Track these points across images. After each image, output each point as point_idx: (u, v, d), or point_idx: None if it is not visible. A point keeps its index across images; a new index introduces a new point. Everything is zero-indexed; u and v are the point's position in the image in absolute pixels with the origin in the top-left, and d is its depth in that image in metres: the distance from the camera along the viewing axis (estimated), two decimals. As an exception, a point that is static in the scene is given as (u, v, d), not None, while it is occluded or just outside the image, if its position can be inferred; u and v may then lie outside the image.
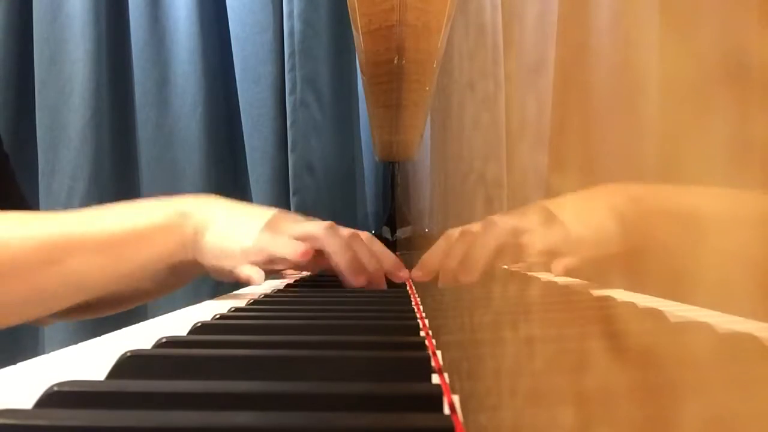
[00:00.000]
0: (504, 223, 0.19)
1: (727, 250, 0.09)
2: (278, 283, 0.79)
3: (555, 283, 0.18)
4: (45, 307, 0.61)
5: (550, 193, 0.18)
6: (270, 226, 0.67)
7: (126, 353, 0.31)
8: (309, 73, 1.54)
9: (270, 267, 0.67)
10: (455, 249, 0.28)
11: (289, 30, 1.54)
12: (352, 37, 0.77)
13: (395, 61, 0.79)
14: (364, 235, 0.72)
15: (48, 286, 0.57)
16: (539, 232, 0.18)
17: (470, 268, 0.22)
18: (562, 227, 0.16)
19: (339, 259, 0.66)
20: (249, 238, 0.64)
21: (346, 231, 0.69)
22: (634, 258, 0.13)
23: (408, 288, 0.70)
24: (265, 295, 0.62)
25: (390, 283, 0.73)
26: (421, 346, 0.35)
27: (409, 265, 0.70)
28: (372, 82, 0.89)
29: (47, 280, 0.57)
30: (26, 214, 0.62)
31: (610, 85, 0.14)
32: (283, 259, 0.65)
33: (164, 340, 0.36)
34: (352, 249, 0.67)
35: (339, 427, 0.23)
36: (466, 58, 0.36)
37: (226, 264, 0.64)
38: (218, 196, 0.72)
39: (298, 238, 0.66)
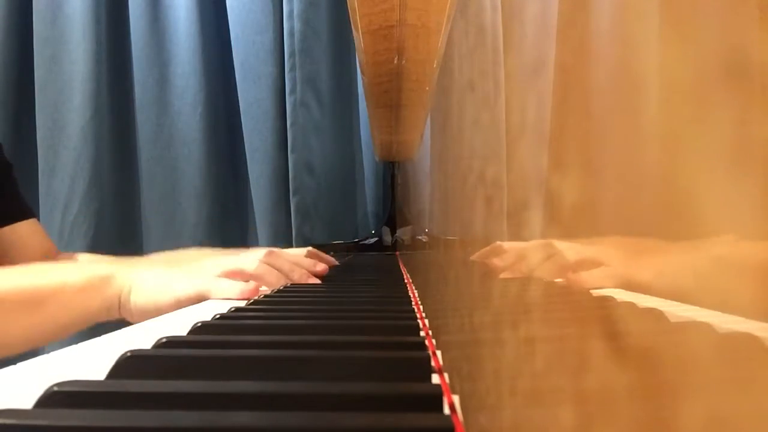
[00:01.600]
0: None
1: (727, 249, 0.09)
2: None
3: (555, 283, 0.18)
4: None
5: (550, 193, 0.18)
6: (195, 271, 0.70)
7: (126, 353, 0.31)
8: (309, 73, 1.55)
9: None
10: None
11: (289, 30, 1.54)
12: (352, 37, 0.77)
13: (395, 61, 0.79)
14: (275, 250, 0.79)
15: None
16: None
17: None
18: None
19: (269, 280, 0.73)
20: (182, 288, 0.66)
21: (261, 252, 0.77)
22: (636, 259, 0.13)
23: (408, 288, 0.70)
24: (265, 295, 0.62)
25: (390, 283, 0.74)
26: (421, 346, 0.35)
27: (410, 265, 0.70)
28: (372, 82, 0.89)
29: None
30: None
31: (610, 85, 0.14)
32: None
33: (164, 340, 0.36)
34: (275, 269, 0.75)
35: (339, 427, 0.23)
36: (466, 58, 0.36)
37: (159, 314, 0.66)
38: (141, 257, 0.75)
39: (224, 275, 0.70)
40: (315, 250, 0.91)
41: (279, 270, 0.76)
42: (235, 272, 0.71)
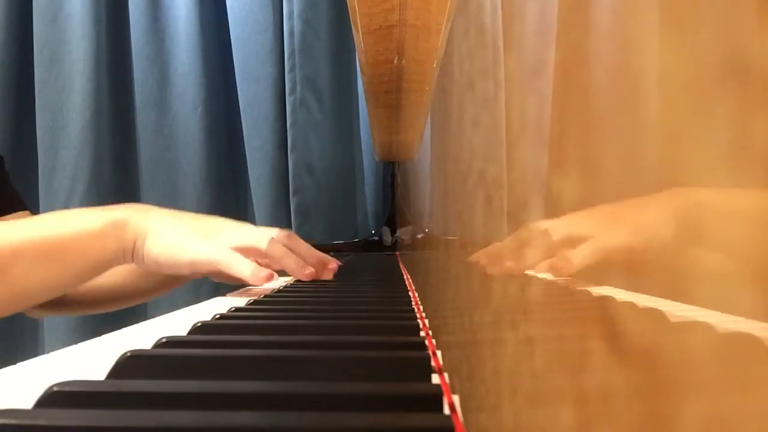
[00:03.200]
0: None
1: (727, 249, 0.09)
2: (279, 284, 0.79)
3: (555, 283, 0.18)
4: None
5: (550, 193, 0.18)
6: (213, 238, 0.70)
7: (126, 353, 0.31)
8: (309, 73, 1.54)
9: (216, 277, 0.72)
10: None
11: (289, 30, 1.54)
12: (352, 37, 0.77)
13: (395, 61, 0.79)
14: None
15: None
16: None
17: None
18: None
19: (287, 263, 0.72)
20: (199, 252, 0.67)
21: (279, 232, 0.75)
22: (635, 259, 0.13)
23: (408, 288, 0.70)
24: (265, 295, 0.62)
25: (390, 283, 0.74)
26: (421, 346, 0.35)
27: (410, 265, 0.71)
28: (372, 82, 0.89)
29: None
30: None
31: (611, 85, 0.14)
32: (238, 278, 0.68)
33: (164, 340, 0.36)
34: (293, 252, 0.73)
35: (339, 427, 0.23)
36: (466, 58, 0.36)
37: (169, 272, 0.68)
38: (156, 206, 0.74)
39: (239, 249, 0.69)
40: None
41: (297, 255, 0.74)
42: (250, 249, 0.70)
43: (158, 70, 1.60)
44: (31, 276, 0.61)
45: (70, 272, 0.64)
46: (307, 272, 0.73)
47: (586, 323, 0.14)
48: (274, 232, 0.74)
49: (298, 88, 1.54)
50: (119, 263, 0.67)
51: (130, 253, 0.66)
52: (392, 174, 1.59)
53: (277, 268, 0.72)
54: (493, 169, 0.26)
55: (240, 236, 0.71)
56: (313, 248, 0.79)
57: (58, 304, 0.85)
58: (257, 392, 0.26)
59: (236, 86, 1.57)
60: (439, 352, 0.36)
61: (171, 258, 0.66)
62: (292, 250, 0.74)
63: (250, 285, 0.70)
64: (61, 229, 0.63)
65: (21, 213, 0.95)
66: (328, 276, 0.77)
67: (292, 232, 0.78)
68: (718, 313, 0.09)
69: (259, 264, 0.70)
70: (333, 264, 0.79)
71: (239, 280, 0.69)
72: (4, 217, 0.92)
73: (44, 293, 0.65)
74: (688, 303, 0.10)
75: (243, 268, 0.66)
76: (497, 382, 0.21)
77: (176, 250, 0.66)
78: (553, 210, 0.18)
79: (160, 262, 0.66)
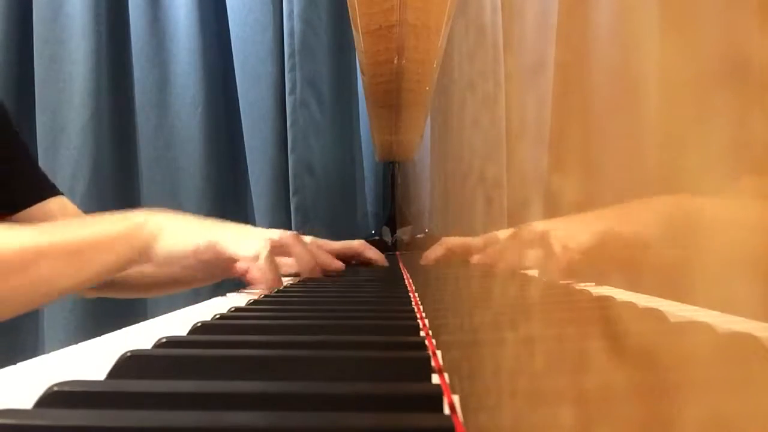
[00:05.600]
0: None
1: (727, 249, 0.09)
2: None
3: (555, 283, 0.18)
4: (18, 307, 0.69)
5: (550, 193, 0.18)
6: (223, 230, 0.75)
7: (126, 353, 0.31)
8: (309, 73, 1.54)
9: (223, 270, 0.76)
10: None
11: (289, 30, 1.54)
12: (352, 37, 0.77)
13: (395, 61, 0.79)
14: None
15: (19, 290, 0.64)
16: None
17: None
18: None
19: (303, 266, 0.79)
20: (200, 237, 0.72)
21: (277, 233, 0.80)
22: (634, 259, 0.13)
23: (408, 288, 0.70)
24: (265, 295, 0.62)
25: (390, 283, 0.74)
26: (421, 346, 0.35)
27: (410, 265, 0.71)
28: (372, 82, 0.89)
29: (21, 284, 0.64)
30: None
31: (611, 85, 0.14)
32: (231, 260, 0.73)
33: (164, 340, 0.36)
34: (312, 255, 0.80)
35: (339, 427, 0.23)
36: (466, 58, 0.36)
37: (179, 263, 0.73)
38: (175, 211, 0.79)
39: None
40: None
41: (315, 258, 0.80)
42: (277, 245, 0.75)
43: (158, 70, 1.60)
44: (53, 275, 0.65)
45: (90, 272, 0.68)
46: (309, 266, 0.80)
47: (586, 323, 0.14)
48: (275, 233, 0.79)
49: (298, 88, 1.54)
50: (138, 263, 0.71)
51: (146, 252, 0.71)
52: (392, 174, 1.59)
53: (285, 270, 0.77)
54: (493, 169, 0.26)
55: (262, 233, 0.76)
56: (310, 252, 0.83)
57: (109, 286, 0.93)
58: (257, 392, 0.26)
59: (236, 86, 1.57)
60: (439, 352, 0.36)
61: (178, 250, 0.71)
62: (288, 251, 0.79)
63: (246, 265, 0.72)
64: (83, 232, 0.68)
65: (59, 198, 1.01)
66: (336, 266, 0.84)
67: (297, 234, 0.82)
68: (718, 313, 0.09)
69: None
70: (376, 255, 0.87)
71: (235, 258, 0.73)
72: (43, 202, 0.98)
73: (65, 291, 0.69)
74: (688, 303, 0.10)
75: (237, 247, 0.71)
76: (497, 382, 0.21)
77: (182, 241, 0.71)
78: (553, 210, 0.18)
79: (171, 257, 0.71)
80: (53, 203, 1.00)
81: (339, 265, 0.89)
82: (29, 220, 0.99)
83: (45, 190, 0.99)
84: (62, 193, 1.02)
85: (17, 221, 0.99)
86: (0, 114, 0.96)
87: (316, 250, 0.86)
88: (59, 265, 0.65)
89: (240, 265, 0.71)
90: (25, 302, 0.67)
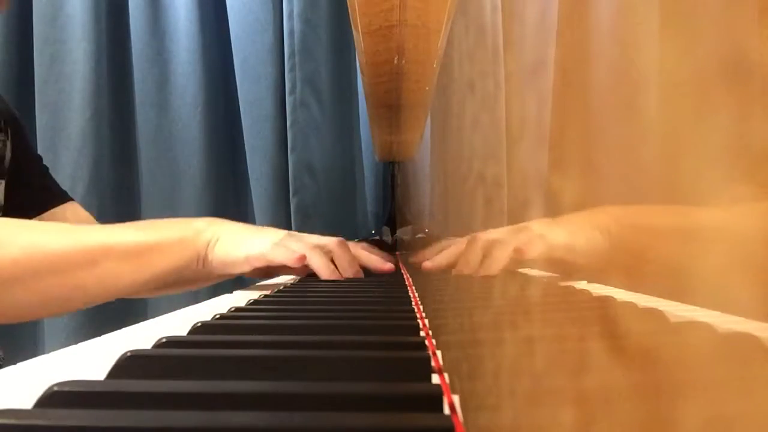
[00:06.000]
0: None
1: (727, 249, 0.09)
2: (280, 283, 0.79)
3: (555, 283, 0.18)
4: (81, 303, 0.73)
5: (550, 193, 0.18)
6: (271, 239, 0.77)
7: (126, 353, 0.31)
8: (309, 73, 1.54)
9: (268, 270, 0.80)
10: (474, 248, 0.29)
11: (289, 30, 1.54)
12: (352, 37, 0.77)
13: (395, 61, 0.79)
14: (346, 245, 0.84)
15: (85, 285, 0.68)
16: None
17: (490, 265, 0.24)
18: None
19: (322, 273, 0.78)
20: (252, 247, 0.75)
21: (334, 240, 0.82)
22: (634, 259, 0.13)
23: (408, 288, 0.70)
24: (265, 295, 0.62)
25: (389, 283, 0.74)
26: (421, 346, 0.35)
27: (410, 265, 0.71)
28: (372, 82, 0.89)
29: (85, 280, 0.67)
30: (68, 225, 0.75)
31: (610, 85, 0.14)
32: (282, 266, 0.76)
33: (164, 340, 0.36)
34: (333, 266, 0.80)
35: (339, 427, 0.23)
36: (466, 58, 0.36)
37: (233, 270, 0.76)
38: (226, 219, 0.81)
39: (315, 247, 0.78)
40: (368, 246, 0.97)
41: (336, 268, 0.80)
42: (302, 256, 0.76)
43: (158, 70, 1.60)
44: (117, 273, 0.68)
45: (151, 273, 0.71)
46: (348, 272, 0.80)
47: (586, 323, 0.14)
48: (330, 241, 0.81)
49: (298, 88, 1.54)
50: (195, 268, 0.74)
51: (203, 259, 0.74)
52: (392, 174, 1.59)
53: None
54: (493, 169, 0.26)
55: (298, 242, 0.77)
56: (355, 261, 0.84)
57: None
58: (257, 392, 0.26)
59: (236, 86, 1.57)
60: (439, 352, 0.36)
61: (231, 256, 0.74)
62: (334, 260, 0.80)
63: (294, 273, 0.78)
64: (146, 235, 0.71)
65: (71, 203, 1.04)
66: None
67: (343, 240, 0.83)
68: (718, 313, 0.09)
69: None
70: (388, 266, 0.86)
71: (286, 269, 0.78)
72: (57, 208, 1.02)
73: (127, 290, 0.71)
74: (688, 303, 0.10)
75: (284, 256, 0.73)
76: (497, 382, 0.21)
77: (235, 249, 0.74)
78: (553, 210, 0.18)
79: (225, 263, 0.74)
80: (65, 209, 1.03)
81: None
82: None
83: (56, 197, 1.02)
84: (72, 199, 1.04)
85: None
86: (15, 126, 0.99)
87: (357, 257, 0.86)
88: (122, 265, 0.68)
89: (293, 264, 0.74)
90: (87, 298, 0.70)
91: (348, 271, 0.80)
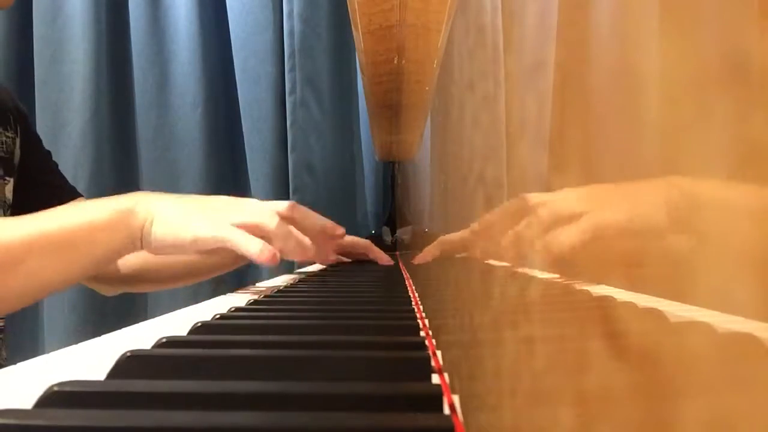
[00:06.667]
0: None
1: (728, 249, 0.09)
2: (279, 283, 0.79)
3: (555, 282, 0.18)
4: (11, 304, 0.67)
5: (550, 193, 0.18)
6: (215, 216, 0.70)
7: (126, 353, 0.31)
8: (309, 73, 1.54)
9: (219, 253, 0.72)
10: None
11: (289, 30, 1.54)
12: (352, 37, 0.77)
13: (395, 61, 0.79)
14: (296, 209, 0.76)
15: (14, 285, 0.62)
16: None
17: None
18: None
19: (285, 246, 0.70)
20: (201, 228, 0.67)
21: (285, 205, 0.74)
22: (633, 259, 0.13)
23: (408, 288, 0.70)
24: (265, 295, 0.62)
25: (390, 283, 0.74)
26: (421, 346, 0.35)
27: (410, 265, 0.71)
28: (372, 82, 0.89)
29: (13, 280, 0.62)
30: None
31: (610, 85, 0.14)
32: (241, 255, 0.68)
33: (164, 340, 0.36)
34: (293, 234, 0.72)
35: (339, 427, 0.23)
36: (466, 58, 0.36)
37: (177, 251, 0.69)
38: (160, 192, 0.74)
39: (241, 226, 0.68)
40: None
41: (299, 228, 0.73)
42: (253, 226, 0.69)
43: (158, 70, 1.60)
44: (44, 268, 0.63)
45: (82, 263, 0.65)
46: (305, 255, 0.73)
47: (586, 323, 0.14)
48: (280, 206, 0.73)
49: (298, 88, 1.54)
50: (130, 251, 0.68)
51: (139, 239, 0.67)
52: (392, 174, 1.59)
53: (280, 247, 0.70)
54: (493, 169, 0.26)
55: (243, 214, 0.70)
56: (317, 218, 0.79)
57: (133, 280, 0.92)
58: (257, 392, 0.26)
59: (236, 86, 1.57)
60: (439, 352, 0.36)
61: (175, 239, 0.67)
62: (295, 223, 0.73)
63: (255, 262, 0.70)
64: (71, 221, 0.65)
65: (79, 200, 1.02)
66: (332, 259, 0.80)
67: (296, 203, 0.76)
68: (718, 313, 0.09)
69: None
70: (339, 231, 0.82)
71: (244, 258, 0.70)
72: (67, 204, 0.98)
73: (58, 284, 0.67)
74: (688, 303, 0.10)
75: (249, 245, 0.66)
76: (497, 382, 0.21)
77: (179, 230, 0.67)
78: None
79: (166, 244, 0.67)
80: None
81: (333, 259, 0.87)
82: None
83: (64, 193, 1.01)
84: (82, 195, 1.04)
85: None
86: (24, 123, 0.99)
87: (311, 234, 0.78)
88: (48, 260, 0.63)
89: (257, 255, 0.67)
90: (16, 299, 0.65)
91: (293, 253, 0.72)
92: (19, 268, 0.61)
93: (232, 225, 0.68)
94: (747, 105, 0.08)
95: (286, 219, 0.72)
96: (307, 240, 0.73)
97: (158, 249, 0.68)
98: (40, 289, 0.65)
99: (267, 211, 0.71)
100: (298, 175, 1.54)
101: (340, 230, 0.83)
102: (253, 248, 0.66)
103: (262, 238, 0.68)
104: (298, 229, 0.73)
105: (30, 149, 0.99)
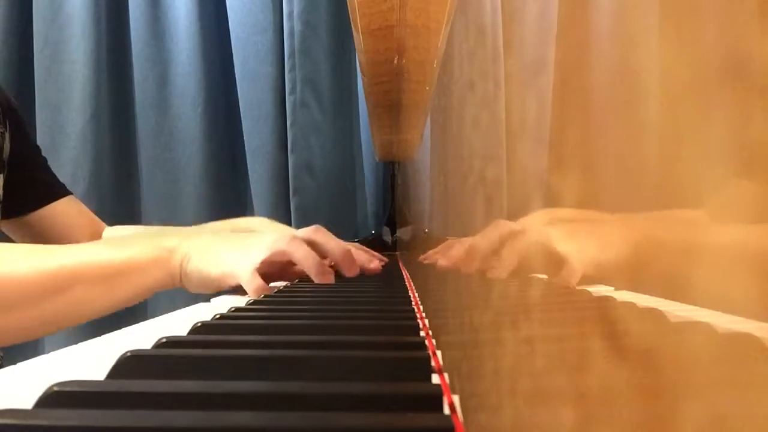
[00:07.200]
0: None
1: (727, 249, 0.09)
2: (279, 283, 0.79)
3: (555, 283, 0.18)
4: (48, 330, 0.70)
5: (550, 193, 0.18)
6: (242, 250, 0.74)
7: (126, 353, 0.31)
8: (309, 73, 1.54)
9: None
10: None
11: (289, 30, 1.54)
12: (352, 37, 0.77)
13: (395, 61, 0.79)
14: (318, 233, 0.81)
15: (55, 313, 0.64)
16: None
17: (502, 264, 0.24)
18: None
19: (306, 266, 0.75)
20: (222, 265, 0.72)
21: (309, 230, 0.80)
22: (634, 261, 0.13)
23: (408, 288, 0.70)
24: (265, 295, 0.62)
25: (390, 283, 0.74)
26: (421, 346, 0.35)
27: (410, 265, 0.71)
28: (372, 82, 0.89)
29: (54, 308, 0.64)
30: (33, 246, 0.70)
31: (610, 85, 0.14)
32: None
33: (164, 340, 0.36)
34: (314, 254, 0.76)
35: (339, 427, 0.23)
36: (466, 58, 0.36)
37: (210, 289, 0.73)
38: (206, 226, 0.80)
39: (268, 257, 0.73)
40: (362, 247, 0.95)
41: (320, 251, 0.77)
42: (278, 254, 0.73)
43: (158, 70, 1.60)
44: (88, 297, 0.66)
45: (123, 295, 0.68)
46: (323, 278, 0.75)
47: (586, 323, 0.14)
48: (302, 232, 0.78)
49: (298, 88, 1.54)
50: (169, 287, 0.72)
51: (178, 277, 0.71)
52: (392, 174, 1.59)
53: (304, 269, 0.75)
54: (493, 169, 0.26)
55: (267, 245, 0.74)
56: (340, 243, 0.82)
57: None
58: (257, 392, 0.26)
59: (236, 86, 1.57)
60: (439, 352, 0.36)
61: (206, 277, 0.71)
62: (316, 246, 0.77)
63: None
64: (117, 254, 0.68)
65: (69, 198, 1.03)
66: (353, 273, 0.81)
67: (320, 227, 0.80)
68: (718, 313, 0.09)
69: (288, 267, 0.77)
70: (374, 264, 0.85)
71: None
72: (54, 203, 1.00)
73: (98, 313, 0.69)
74: (688, 303, 0.10)
75: (251, 286, 0.69)
76: (497, 382, 0.21)
77: (207, 268, 0.71)
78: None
79: (199, 283, 0.71)
80: (63, 204, 1.02)
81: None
82: (40, 221, 1.01)
83: (55, 191, 1.01)
84: (71, 193, 1.04)
85: (29, 223, 1.00)
86: (13, 117, 0.98)
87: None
88: (93, 289, 0.66)
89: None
90: (57, 324, 0.67)
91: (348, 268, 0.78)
92: (65, 296, 0.64)
93: (258, 260, 0.71)
94: (747, 105, 0.08)
95: (306, 242, 0.76)
96: (325, 265, 0.77)
97: (194, 286, 0.72)
98: (80, 316, 0.68)
99: (287, 238, 0.75)
100: (298, 175, 1.54)
101: (375, 264, 0.86)
102: (251, 289, 0.69)
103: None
104: (318, 253, 0.77)
105: (20, 145, 0.99)
